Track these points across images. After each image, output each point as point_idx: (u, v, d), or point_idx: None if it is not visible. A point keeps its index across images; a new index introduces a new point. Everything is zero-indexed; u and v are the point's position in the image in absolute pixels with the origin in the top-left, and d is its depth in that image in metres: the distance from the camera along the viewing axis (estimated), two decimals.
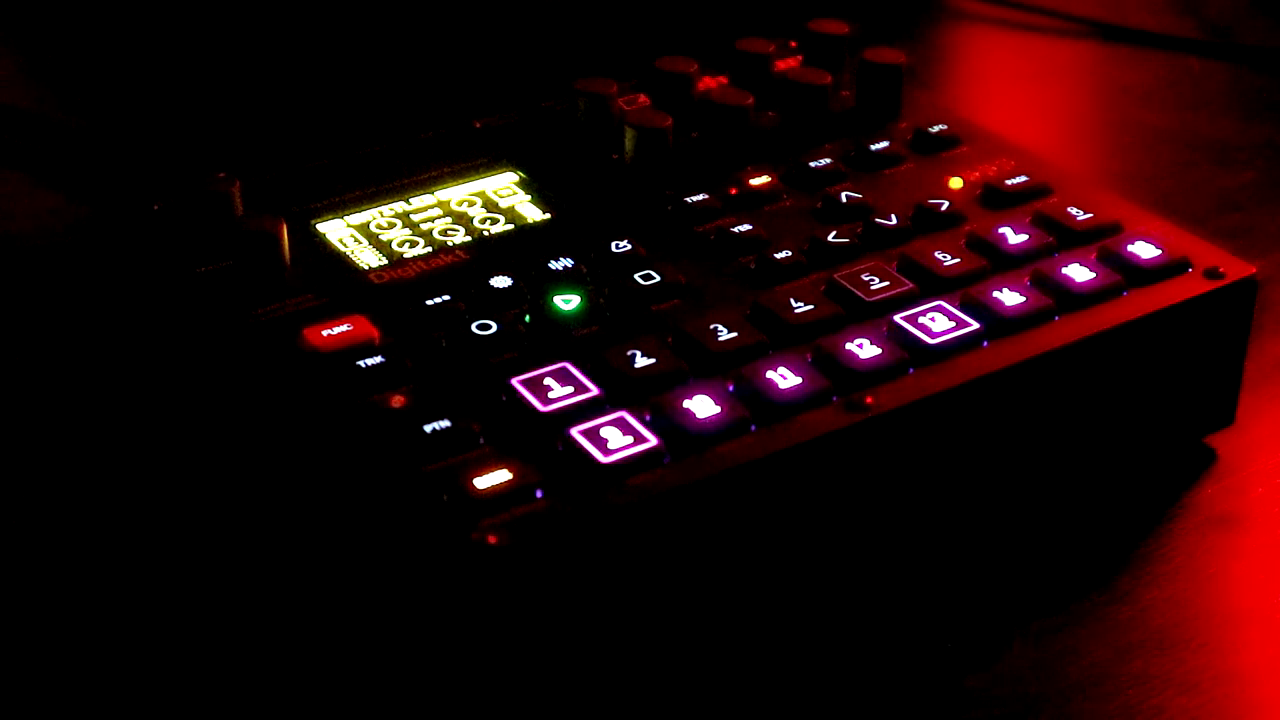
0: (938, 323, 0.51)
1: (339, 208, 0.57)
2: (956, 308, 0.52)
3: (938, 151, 0.61)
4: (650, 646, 0.46)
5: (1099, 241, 0.55)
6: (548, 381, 0.48)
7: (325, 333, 0.49)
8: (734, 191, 0.58)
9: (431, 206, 0.58)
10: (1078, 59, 0.89)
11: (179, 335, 0.53)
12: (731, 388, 0.48)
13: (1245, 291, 0.54)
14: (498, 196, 0.59)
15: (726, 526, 0.46)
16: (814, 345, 0.50)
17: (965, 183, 0.59)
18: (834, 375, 0.48)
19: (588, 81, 0.62)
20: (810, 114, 0.63)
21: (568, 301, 0.51)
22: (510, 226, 0.57)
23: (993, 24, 0.92)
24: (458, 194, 0.59)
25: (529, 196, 0.59)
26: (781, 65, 0.66)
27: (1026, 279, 0.53)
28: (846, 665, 0.47)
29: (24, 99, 0.79)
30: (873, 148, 0.61)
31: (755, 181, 0.59)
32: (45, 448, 0.55)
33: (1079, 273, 0.53)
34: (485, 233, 0.56)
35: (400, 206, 0.58)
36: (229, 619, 0.48)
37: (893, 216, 0.56)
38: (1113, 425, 0.54)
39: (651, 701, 0.46)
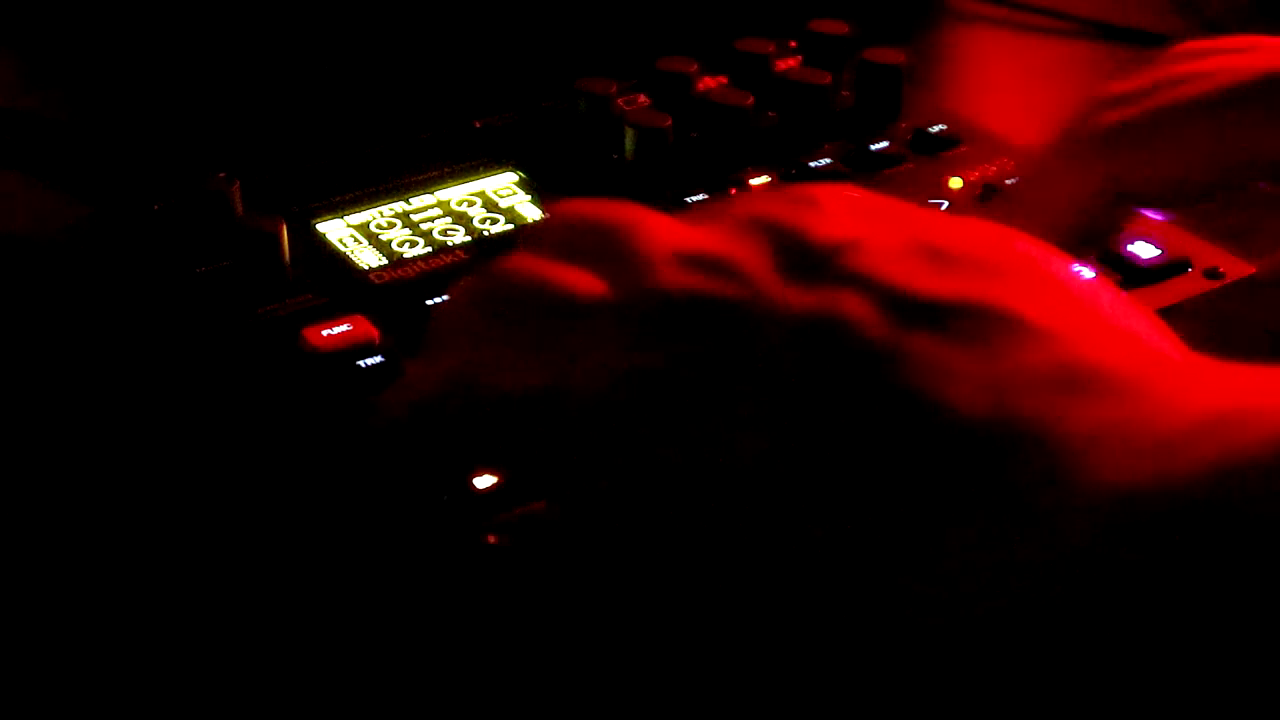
0: None
1: (339, 208, 0.57)
2: None
3: (938, 151, 0.61)
4: (650, 646, 0.46)
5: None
6: None
7: (325, 333, 0.49)
8: (734, 191, 0.58)
9: (431, 206, 0.58)
10: (1078, 59, 0.89)
11: (179, 335, 0.53)
12: None
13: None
14: (498, 196, 0.59)
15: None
16: None
17: (965, 183, 0.59)
18: None
19: (588, 81, 0.62)
20: (810, 114, 0.63)
21: None
22: (510, 226, 0.57)
23: (993, 24, 0.92)
24: (458, 194, 0.59)
25: (529, 196, 0.59)
26: (781, 65, 0.66)
27: None
28: (846, 664, 0.47)
29: (23, 99, 0.79)
30: (873, 148, 0.61)
31: (755, 181, 0.59)
32: (45, 448, 0.55)
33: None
34: (485, 233, 0.56)
35: (400, 206, 0.58)
36: (229, 619, 0.48)
37: None
38: None
39: (652, 701, 0.46)
